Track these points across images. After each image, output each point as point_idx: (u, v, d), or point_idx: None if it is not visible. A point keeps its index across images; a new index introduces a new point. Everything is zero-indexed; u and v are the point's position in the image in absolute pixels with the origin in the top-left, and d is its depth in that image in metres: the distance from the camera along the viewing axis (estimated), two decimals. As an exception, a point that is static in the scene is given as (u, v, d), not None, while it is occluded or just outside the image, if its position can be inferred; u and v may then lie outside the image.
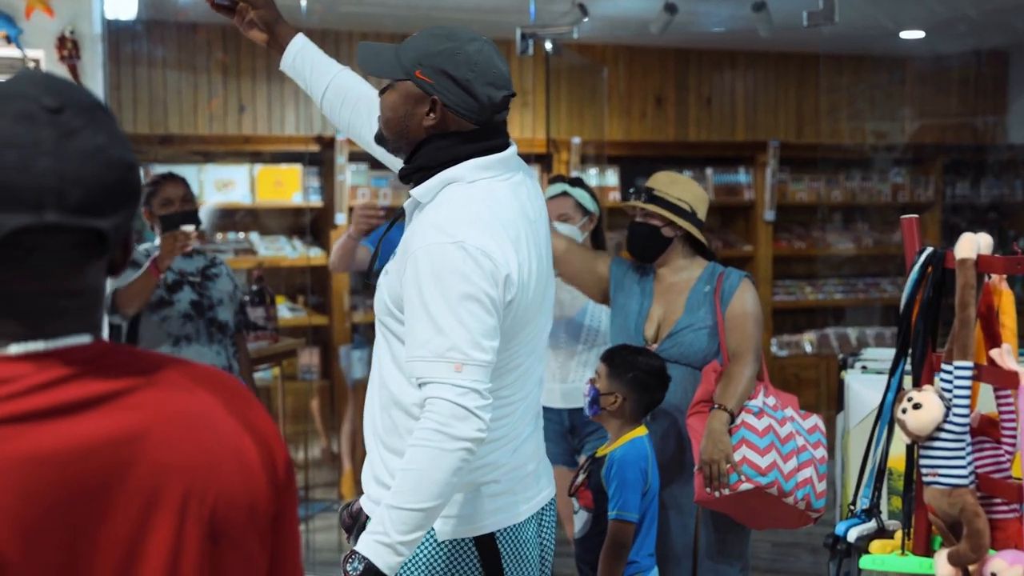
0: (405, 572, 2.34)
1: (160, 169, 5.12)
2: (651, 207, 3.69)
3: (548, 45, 6.15)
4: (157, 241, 4.55)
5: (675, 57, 8.32)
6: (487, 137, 2.32)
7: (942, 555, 1.69)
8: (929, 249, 1.97)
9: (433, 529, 2.31)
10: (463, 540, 2.34)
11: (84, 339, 1.21)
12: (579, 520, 3.47)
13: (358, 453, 6.86)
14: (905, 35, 7.74)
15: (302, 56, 2.66)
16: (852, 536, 1.90)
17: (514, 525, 2.39)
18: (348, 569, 2.14)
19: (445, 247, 2.18)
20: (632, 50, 8.18)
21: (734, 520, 3.65)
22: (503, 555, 2.36)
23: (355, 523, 2.47)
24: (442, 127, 2.30)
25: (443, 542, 2.33)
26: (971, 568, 1.65)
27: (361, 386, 6.97)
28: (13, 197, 1.14)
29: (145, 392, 1.20)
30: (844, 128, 8.60)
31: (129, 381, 1.20)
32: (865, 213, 8.74)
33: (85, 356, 1.20)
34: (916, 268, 1.96)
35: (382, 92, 2.38)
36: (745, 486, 3.38)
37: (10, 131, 1.15)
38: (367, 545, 2.14)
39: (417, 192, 2.32)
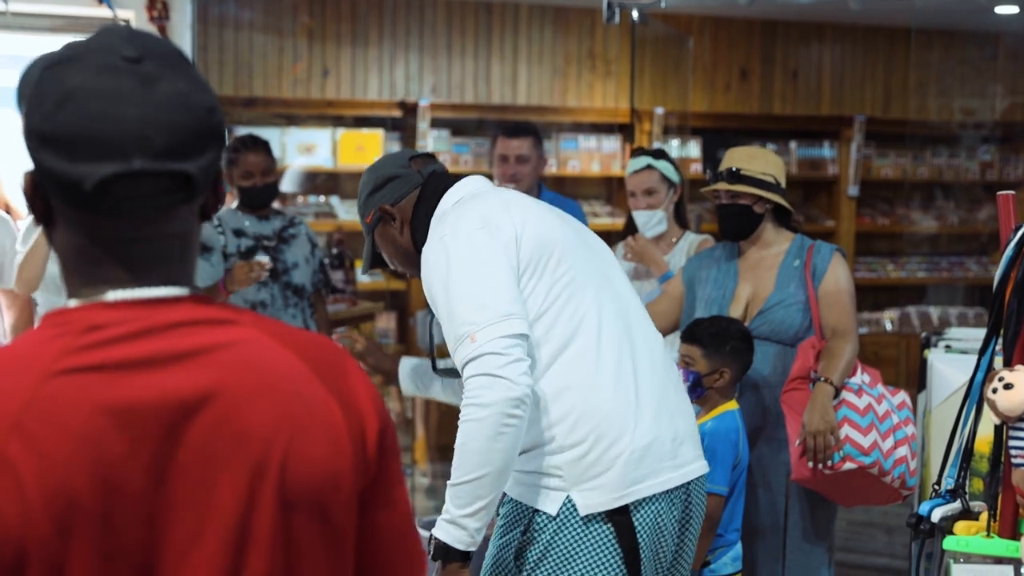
0: (541, 554, 2.38)
1: (243, 131, 5.18)
2: (741, 187, 3.65)
3: (635, 14, 6.09)
4: (234, 205, 4.56)
5: (761, 29, 8.22)
6: (433, 187, 2.59)
7: (1029, 538, 1.66)
8: (1025, 227, 1.92)
9: (574, 505, 2.36)
10: (598, 516, 2.36)
11: (180, 291, 1.22)
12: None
13: (432, 418, 6.90)
14: (1000, 10, 7.56)
15: (417, 370, 2.96)
16: (936, 516, 1.87)
17: (650, 498, 2.39)
18: (428, 549, 2.27)
19: (432, 251, 2.42)
20: (718, 21, 8.09)
21: (823, 498, 3.62)
22: (638, 530, 2.37)
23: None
24: (409, 217, 2.60)
25: (580, 517, 2.36)
26: (1059, 552, 1.61)
27: (437, 351, 6.99)
28: (101, 147, 1.15)
29: (233, 350, 1.20)
30: (932, 104, 8.44)
31: (219, 338, 1.20)
32: (950, 191, 8.58)
33: (179, 309, 1.20)
34: (1011, 245, 1.92)
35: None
36: (848, 466, 3.35)
37: (93, 83, 1.16)
38: (438, 526, 2.28)
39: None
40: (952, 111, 8.44)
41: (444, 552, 2.26)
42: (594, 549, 2.36)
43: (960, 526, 1.85)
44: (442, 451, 6.86)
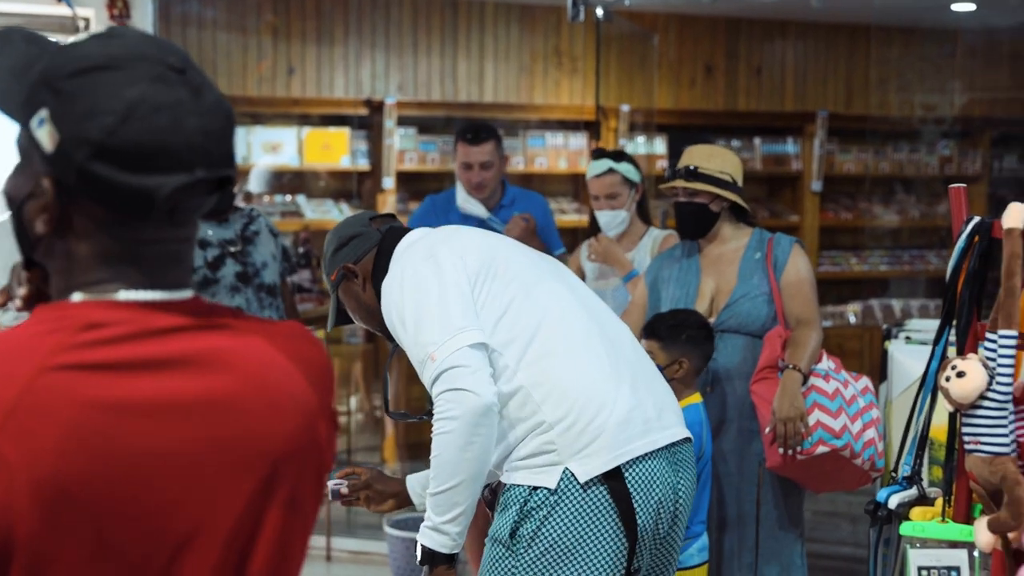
0: (538, 526, 2.45)
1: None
2: (697, 185, 3.69)
3: (599, 11, 6.13)
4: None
5: (726, 25, 8.27)
6: (393, 238, 2.69)
7: (982, 522, 1.71)
8: (976, 219, 1.97)
9: (573, 474, 2.43)
10: (594, 481, 2.44)
11: (183, 294, 1.24)
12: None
13: (400, 417, 6.91)
14: (956, 7, 7.65)
15: (424, 484, 2.92)
16: (893, 503, 1.92)
17: (640, 459, 2.47)
18: (416, 555, 2.46)
19: (386, 287, 2.55)
20: (682, 18, 8.13)
21: (794, 485, 3.69)
22: (632, 493, 2.45)
23: (495, 498, 2.66)
24: (371, 271, 2.68)
25: (579, 484, 2.43)
26: (1011, 535, 1.66)
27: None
28: (168, 159, 1.17)
29: (229, 355, 1.22)
30: (893, 100, 8.53)
31: (215, 343, 1.21)
32: (911, 185, 8.68)
33: (178, 312, 1.21)
34: (963, 237, 1.96)
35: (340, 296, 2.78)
36: (822, 449, 3.43)
37: (153, 95, 1.17)
38: (421, 533, 2.44)
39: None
40: (912, 107, 8.53)
41: (430, 557, 2.43)
42: (593, 514, 2.45)
43: (916, 512, 1.89)
44: (411, 449, 6.87)
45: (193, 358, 1.19)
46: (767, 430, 3.48)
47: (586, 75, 7.69)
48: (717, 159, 3.75)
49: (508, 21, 7.71)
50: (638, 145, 7.69)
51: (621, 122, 7.58)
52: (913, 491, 1.97)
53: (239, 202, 4.75)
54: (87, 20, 5.11)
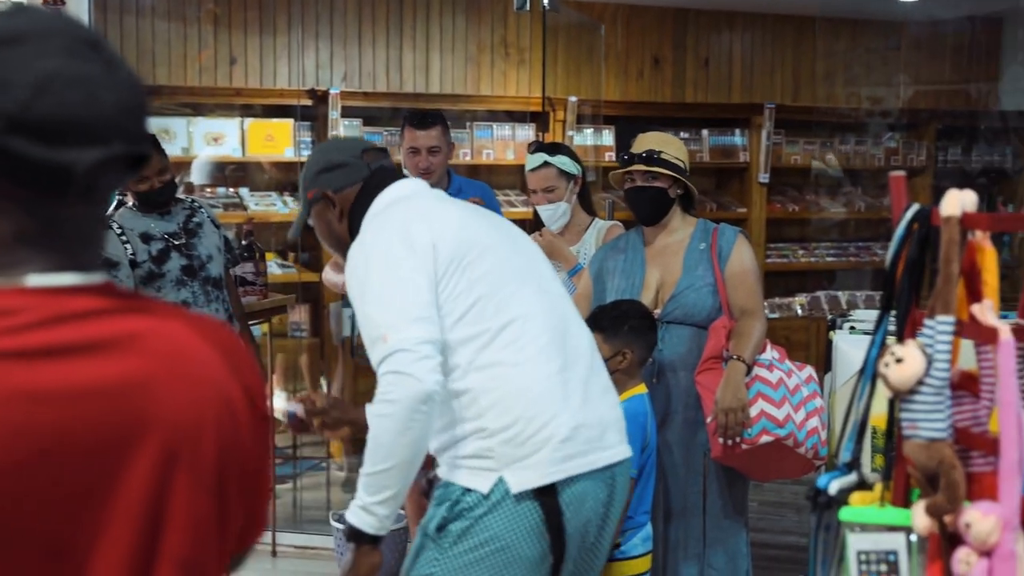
0: (465, 529, 2.46)
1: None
2: (659, 169, 3.69)
3: (545, 1, 6.11)
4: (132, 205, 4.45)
5: (673, 16, 8.28)
6: (376, 184, 2.67)
7: (919, 506, 1.70)
8: (916, 206, 1.97)
9: (506, 484, 2.44)
10: (526, 494, 2.45)
11: (95, 278, 1.21)
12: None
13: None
14: (902, -1, 7.71)
15: None
16: (833, 488, 1.91)
17: (576, 477, 2.48)
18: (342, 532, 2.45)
19: (353, 255, 2.52)
20: (630, 8, 8.13)
21: (739, 475, 3.69)
22: (563, 510, 2.47)
23: (431, 489, 2.73)
24: (348, 206, 2.67)
25: (511, 496, 2.44)
26: (947, 519, 1.66)
27: (350, 343, 6.96)
28: (85, 133, 1.15)
29: (148, 340, 1.20)
30: (839, 92, 8.58)
31: (131, 326, 1.20)
32: (858, 177, 8.73)
33: (91, 297, 1.19)
34: (902, 225, 1.96)
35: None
36: (765, 439, 3.43)
37: (67, 67, 1.15)
38: (350, 510, 2.44)
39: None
40: (859, 99, 8.59)
41: (357, 535, 2.41)
42: (521, 526, 2.45)
43: (855, 497, 1.88)
44: (357, 444, 6.80)
45: (107, 342, 1.17)
46: (709, 420, 3.49)
47: (533, 66, 7.66)
48: (673, 146, 3.77)
49: (454, 11, 7.67)
50: (586, 136, 7.68)
51: (568, 113, 7.56)
52: (853, 477, 1.96)
53: (179, 194, 4.68)
54: (20, 3, 5.01)
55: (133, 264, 4.28)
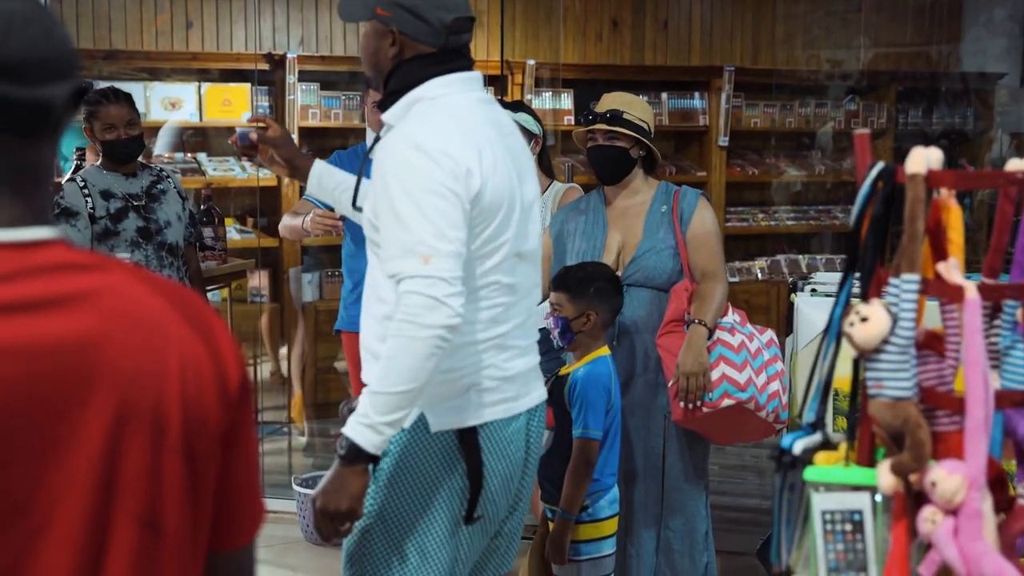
0: (394, 460, 2.52)
1: (104, 86, 5.06)
2: (620, 129, 3.67)
3: (502, -37, 6.05)
4: (99, 163, 4.43)
5: (631, -21, 8.24)
6: (447, 60, 2.54)
7: (884, 465, 1.70)
8: (880, 164, 1.95)
9: (426, 421, 2.50)
10: (447, 432, 2.51)
11: (51, 232, 1.20)
12: (540, 439, 3.49)
13: (308, 376, 6.84)
14: (862, -39, 7.71)
15: (325, 177, 2.90)
16: (797, 448, 1.90)
17: (497, 421, 2.55)
18: (337, 448, 2.38)
19: (407, 152, 2.40)
20: (588, -29, 8.09)
21: (699, 438, 3.70)
22: (484, 449, 2.53)
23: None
24: (405, 55, 2.53)
25: (430, 432, 2.50)
26: (912, 478, 1.66)
27: (311, 309, 6.92)
28: (53, 67, 1.17)
29: (105, 294, 1.19)
30: (799, 55, 8.57)
31: (90, 282, 1.19)
32: (818, 140, 8.75)
33: (50, 252, 1.18)
34: (867, 183, 1.94)
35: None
36: (727, 402, 3.44)
37: (18, 7, 1.16)
38: (352, 427, 2.36)
39: (388, 116, 2.55)
40: (819, 61, 8.59)
41: (355, 453, 2.35)
42: (441, 462, 2.52)
43: (820, 457, 1.88)
44: (318, 409, 6.80)
45: (64, 298, 1.16)
46: (671, 384, 3.49)
47: (491, 29, 7.61)
48: (637, 107, 3.74)
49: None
50: (544, 100, 7.64)
51: (527, 76, 7.52)
52: (817, 437, 1.95)
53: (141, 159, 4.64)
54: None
55: (92, 219, 4.25)
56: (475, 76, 2.60)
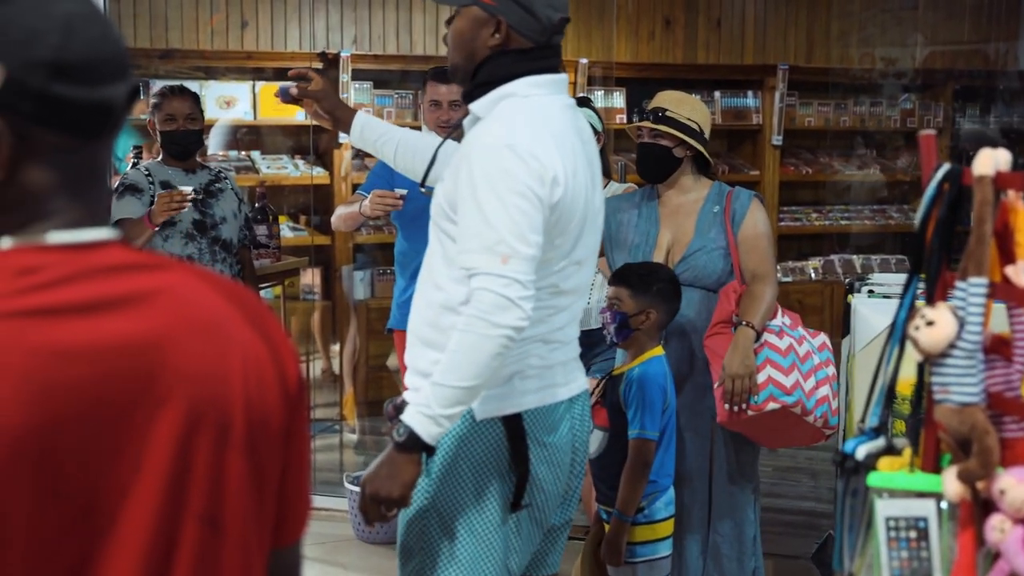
0: (444, 452, 2.53)
1: (163, 84, 5.12)
2: (663, 127, 3.65)
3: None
4: (159, 159, 4.49)
5: (684, -23, 8.20)
6: (544, 57, 2.53)
7: (951, 472, 1.67)
8: (946, 166, 1.92)
9: (472, 410, 2.50)
10: (493, 419, 2.52)
11: (111, 233, 1.21)
12: (594, 440, 3.47)
13: (359, 373, 6.86)
14: (919, -42, 7.62)
15: (368, 129, 2.91)
16: (860, 453, 1.88)
17: (541, 408, 2.56)
18: (394, 435, 2.38)
19: (497, 149, 2.38)
20: (642, -30, 8.06)
21: (747, 441, 3.67)
22: (529, 434, 2.54)
23: (398, 414, 2.63)
24: (504, 46, 2.50)
25: (476, 421, 2.51)
26: (979, 485, 1.63)
27: (363, 307, 6.95)
28: (112, 67, 1.18)
29: (167, 294, 1.20)
30: (854, 53, 8.49)
31: (152, 282, 1.20)
32: (872, 139, 8.66)
33: (111, 253, 1.19)
34: (932, 185, 1.91)
35: (448, 22, 2.60)
36: (772, 406, 3.40)
37: (75, 8, 1.17)
38: (412, 416, 2.37)
39: (475, 107, 2.54)
40: (874, 60, 8.50)
41: (414, 441, 2.37)
42: (488, 450, 2.53)
43: (884, 462, 1.85)
44: (370, 407, 6.83)
45: (128, 298, 1.17)
46: (716, 386, 3.46)
47: (545, 28, 7.58)
48: (686, 106, 3.71)
49: (466, -27, 7.59)
50: (597, 99, 7.62)
51: (580, 75, 7.50)
52: (881, 442, 1.93)
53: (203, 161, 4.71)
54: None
55: (151, 204, 4.31)
56: (562, 79, 2.59)
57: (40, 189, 1.17)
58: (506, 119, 2.46)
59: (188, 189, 4.24)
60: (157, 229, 4.21)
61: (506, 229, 2.34)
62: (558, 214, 2.44)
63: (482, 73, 2.53)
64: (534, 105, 2.49)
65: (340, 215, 4.48)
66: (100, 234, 1.20)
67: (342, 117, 2.88)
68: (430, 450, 2.39)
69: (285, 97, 2.83)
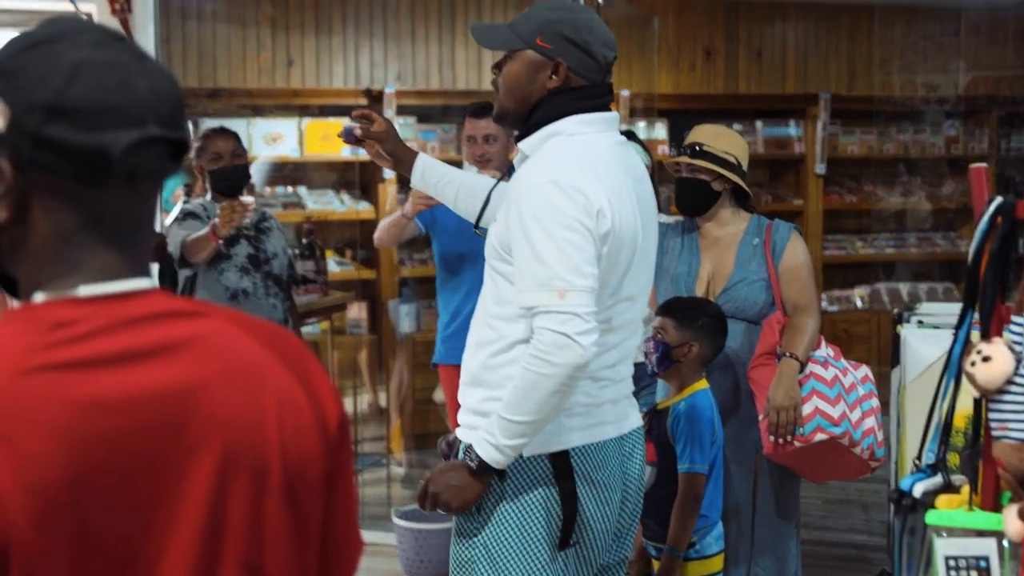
0: (494, 489, 2.54)
1: (210, 123, 5.16)
2: (700, 162, 3.67)
3: (599, -2, 6.07)
4: (208, 197, 4.56)
5: (724, 8, 8.22)
6: (596, 95, 2.55)
7: (1011, 510, 1.66)
8: (999, 199, 1.93)
9: None
10: (540, 456, 2.53)
11: (147, 282, 1.22)
12: (641, 475, 3.47)
13: (406, 407, 6.88)
14: (960, -15, 7.60)
15: (429, 171, 2.93)
16: (918, 491, 1.87)
17: (589, 445, 2.55)
18: (466, 459, 2.48)
19: (543, 186, 2.40)
20: (682, 1, 8.08)
21: (791, 474, 3.65)
22: (577, 472, 2.54)
23: (451, 451, 2.70)
24: (564, 87, 2.52)
25: (524, 458, 2.52)
26: (1042, 523, 1.62)
27: (409, 340, 6.98)
28: (120, 115, 1.17)
29: (203, 342, 1.20)
30: (896, 80, 8.47)
31: (188, 330, 1.20)
32: (916, 166, 8.62)
33: (146, 301, 1.20)
34: (985, 218, 1.91)
35: (498, 67, 2.62)
36: (819, 437, 3.40)
37: (98, 56, 1.18)
38: (480, 444, 2.44)
39: (524, 145, 2.56)
40: (916, 87, 8.47)
41: (484, 468, 2.45)
42: (536, 487, 2.54)
43: (942, 500, 1.85)
44: (417, 440, 6.85)
45: (162, 346, 1.18)
46: (761, 418, 3.46)
47: (587, 61, 7.61)
48: (723, 140, 3.73)
49: (506, 7, 7.66)
50: (639, 130, 7.64)
51: (621, 107, 7.52)
52: (938, 479, 1.92)
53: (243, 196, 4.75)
54: (90, 15, 5.06)
55: None
56: (613, 117, 2.59)
57: (57, 236, 1.18)
58: (551, 157, 2.48)
59: (249, 199, 4.30)
60: (221, 242, 4.27)
61: (559, 264, 2.36)
62: (606, 247, 2.44)
63: (537, 114, 2.55)
64: (580, 142, 2.51)
65: (383, 226, 4.55)
66: (135, 284, 1.21)
67: (403, 159, 2.90)
68: (500, 474, 2.47)
69: (349, 138, 2.85)
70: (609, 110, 2.59)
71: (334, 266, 7.10)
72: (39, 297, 1.18)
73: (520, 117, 2.59)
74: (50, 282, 1.18)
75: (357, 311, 7.11)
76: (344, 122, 2.89)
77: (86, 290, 1.18)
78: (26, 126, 1.15)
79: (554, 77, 2.52)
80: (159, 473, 1.15)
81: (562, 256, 2.36)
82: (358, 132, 2.82)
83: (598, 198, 2.40)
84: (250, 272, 4.45)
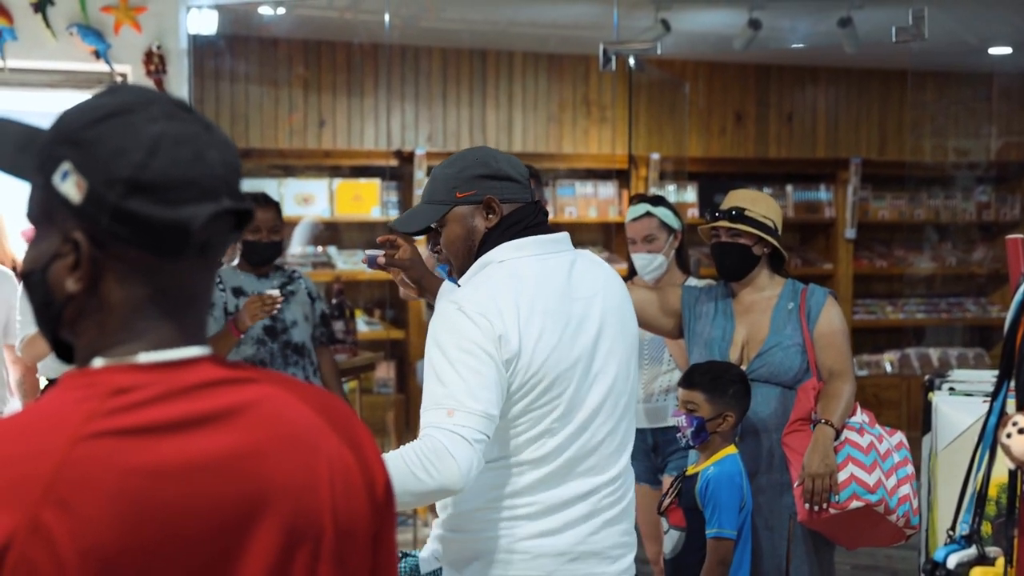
0: None
1: (245, 186, 5.19)
2: (742, 227, 3.67)
3: (631, 61, 6.12)
4: (234, 263, 4.54)
5: (755, 73, 8.26)
6: (527, 216, 2.50)
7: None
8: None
9: None
10: None
11: (202, 350, 1.23)
12: (669, 540, 3.43)
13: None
14: (993, 51, 7.61)
15: None
16: (952, 563, 1.85)
17: None
18: None
19: (448, 312, 2.38)
20: (713, 66, 8.13)
21: (825, 541, 3.61)
22: None
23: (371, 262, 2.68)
24: (499, 222, 2.49)
25: None
26: (1080, 599, 1.59)
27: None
28: (198, 189, 1.18)
29: (256, 408, 1.21)
30: (927, 145, 8.47)
31: (241, 397, 1.21)
32: (947, 231, 8.60)
33: (201, 369, 1.20)
34: (1021, 290, 1.90)
35: (435, 241, 2.57)
36: (855, 504, 3.37)
37: (173, 129, 1.18)
38: None
39: (462, 280, 2.52)
40: (947, 152, 8.47)
41: None
42: None
43: (977, 572, 1.82)
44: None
45: (218, 414, 1.18)
46: (796, 484, 3.43)
47: (616, 124, 7.68)
48: (761, 204, 3.73)
49: (536, 71, 7.72)
50: (669, 194, 7.66)
51: (651, 170, 7.56)
52: (972, 551, 1.90)
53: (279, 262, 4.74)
54: (124, 76, 5.14)
55: (225, 312, 4.34)
56: (554, 238, 2.52)
57: (126, 306, 1.19)
58: (472, 284, 2.44)
59: (276, 293, 4.23)
60: (242, 336, 4.22)
61: (454, 385, 2.28)
62: (518, 373, 2.35)
63: (480, 252, 2.50)
64: (511, 268, 2.44)
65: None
66: (191, 352, 1.21)
67: (428, 287, 2.78)
68: None
69: (372, 265, 2.78)
70: (549, 230, 2.53)
71: (363, 325, 7.11)
72: (99, 363, 1.19)
73: (464, 266, 2.53)
74: (110, 348, 1.19)
75: (385, 371, 7.12)
76: (368, 251, 2.81)
77: (146, 357, 1.18)
78: (106, 200, 1.16)
79: (491, 216, 2.48)
80: (218, 541, 1.15)
81: (458, 378, 2.29)
82: (381, 260, 2.75)
83: (503, 323, 2.33)
84: (266, 343, 4.40)
